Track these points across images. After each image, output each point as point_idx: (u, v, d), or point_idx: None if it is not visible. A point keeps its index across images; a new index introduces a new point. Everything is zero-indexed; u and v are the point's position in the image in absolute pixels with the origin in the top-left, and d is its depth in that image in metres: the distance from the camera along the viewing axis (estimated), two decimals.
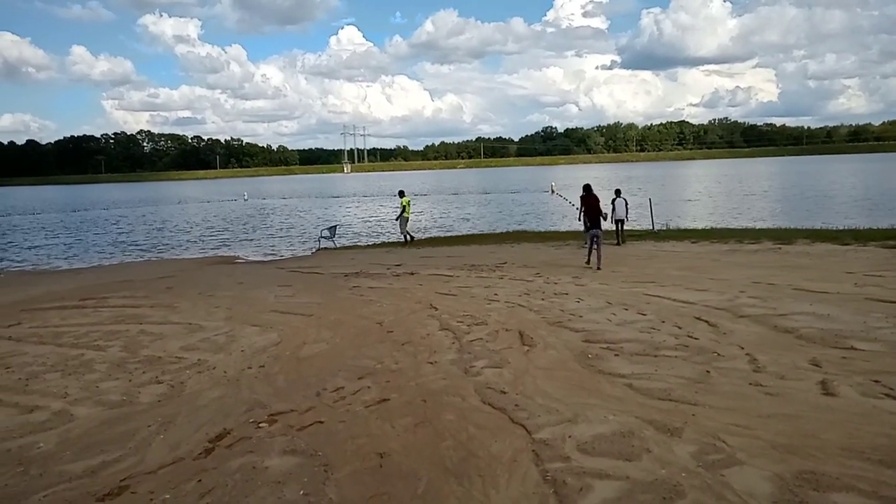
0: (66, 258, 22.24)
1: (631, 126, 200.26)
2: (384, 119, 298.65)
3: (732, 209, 30.05)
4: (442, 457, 4.79)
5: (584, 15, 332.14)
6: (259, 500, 4.27)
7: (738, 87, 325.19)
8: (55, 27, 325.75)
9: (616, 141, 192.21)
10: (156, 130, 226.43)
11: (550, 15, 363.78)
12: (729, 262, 13.04)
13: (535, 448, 4.81)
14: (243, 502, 4.27)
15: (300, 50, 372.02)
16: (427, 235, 24.00)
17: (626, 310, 9.12)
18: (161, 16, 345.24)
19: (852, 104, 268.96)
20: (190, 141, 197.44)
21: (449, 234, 24.66)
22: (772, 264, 12.54)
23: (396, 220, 21.61)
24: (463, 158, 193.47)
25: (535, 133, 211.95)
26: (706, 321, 8.25)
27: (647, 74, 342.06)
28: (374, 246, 21.36)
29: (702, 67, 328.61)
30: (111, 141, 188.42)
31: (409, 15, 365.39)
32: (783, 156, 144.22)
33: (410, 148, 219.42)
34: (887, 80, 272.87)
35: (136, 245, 25.51)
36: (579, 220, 15.34)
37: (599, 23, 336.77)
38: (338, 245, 21.70)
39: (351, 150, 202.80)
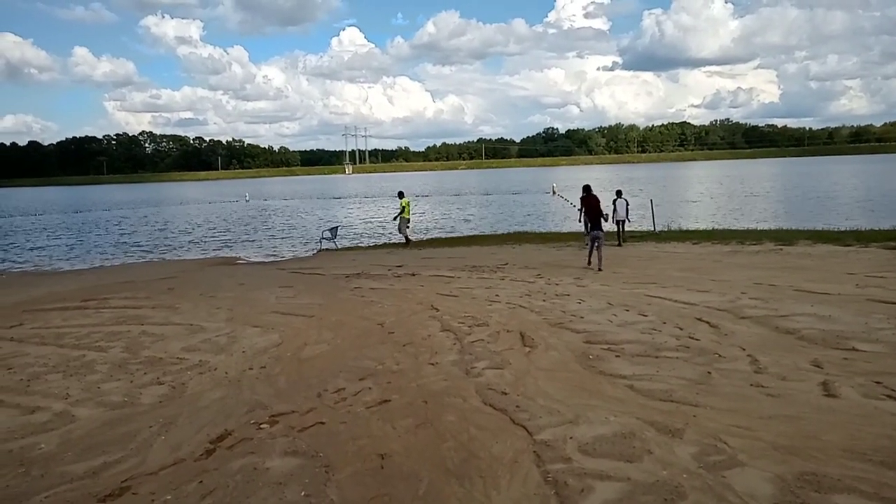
0: (67, 259, 22.26)
1: (632, 127, 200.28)
2: (386, 120, 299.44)
3: (734, 210, 30.04)
4: (443, 458, 4.79)
5: (586, 16, 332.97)
6: (260, 501, 4.28)
7: (739, 88, 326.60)
8: (57, 28, 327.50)
9: (617, 142, 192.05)
10: (158, 131, 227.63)
11: (552, 16, 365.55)
12: (730, 264, 13.03)
13: (537, 449, 4.81)
14: (244, 503, 4.28)
15: (302, 51, 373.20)
16: (428, 236, 24.02)
17: (628, 311, 9.12)
18: (163, 17, 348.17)
19: (854, 105, 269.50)
20: (192, 142, 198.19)
21: (450, 235, 24.67)
22: (773, 265, 12.53)
23: (394, 219, 21.65)
24: (464, 159, 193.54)
25: (537, 134, 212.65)
26: (707, 322, 8.25)
27: (648, 75, 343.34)
28: (376, 247, 21.35)
29: (703, 68, 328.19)
30: (113, 142, 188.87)
31: (410, 16, 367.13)
32: (785, 157, 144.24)
33: (412, 149, 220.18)
34: (889, 81, 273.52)
35: (138, 246, 25.53)
36: (580, 220, 15.36)
37: (601, 24, 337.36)
38: (339, 246, 21.70)
39: (352, 151, 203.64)
